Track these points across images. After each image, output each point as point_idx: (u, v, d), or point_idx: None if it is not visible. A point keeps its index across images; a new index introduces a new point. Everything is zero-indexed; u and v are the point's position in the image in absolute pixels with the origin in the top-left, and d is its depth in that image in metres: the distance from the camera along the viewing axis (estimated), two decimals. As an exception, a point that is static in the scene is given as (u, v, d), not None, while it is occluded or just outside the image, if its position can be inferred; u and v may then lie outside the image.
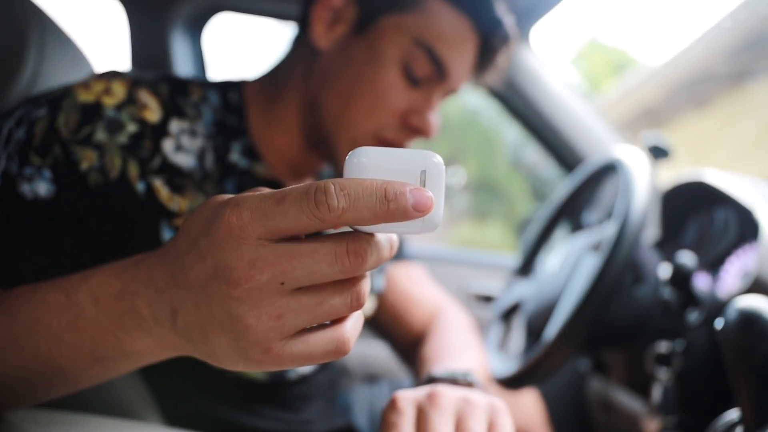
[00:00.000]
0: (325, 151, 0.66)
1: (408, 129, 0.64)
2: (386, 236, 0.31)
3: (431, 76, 0.63)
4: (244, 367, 0.31)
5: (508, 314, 0.97)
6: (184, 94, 0.61)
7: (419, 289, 0.83)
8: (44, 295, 0.37)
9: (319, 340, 0.30)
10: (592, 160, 1.09)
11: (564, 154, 1.28)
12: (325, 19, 0.63)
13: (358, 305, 0.30)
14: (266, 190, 0.30)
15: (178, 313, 0.32)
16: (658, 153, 1.02)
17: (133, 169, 0.53)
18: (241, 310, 0.29)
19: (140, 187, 0.54)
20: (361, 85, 0.62)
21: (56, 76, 0.66)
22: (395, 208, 0.27)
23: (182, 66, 1.32)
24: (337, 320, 0.31)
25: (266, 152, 0.66)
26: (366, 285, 0.31)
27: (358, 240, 0.29)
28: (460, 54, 0.64)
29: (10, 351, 0.37)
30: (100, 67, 0.78)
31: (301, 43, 0.67)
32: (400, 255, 0.85)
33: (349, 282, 0.30)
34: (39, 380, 0.37)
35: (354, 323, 0.32)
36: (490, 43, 0.67)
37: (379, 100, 0.62)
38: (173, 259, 0.32)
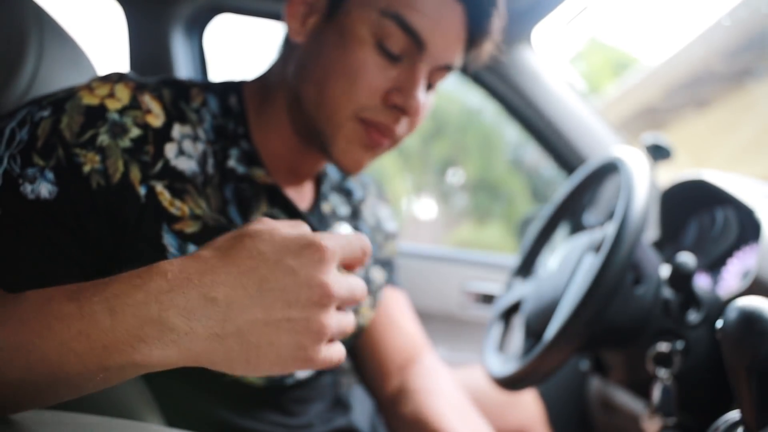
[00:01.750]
0: (318, 146, 0.64)
1: (391, 108, 0.61)
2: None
3: (409, 49, 0.59)
4: (279, 369, 0.38)
5: (508, 314, 0.97)
6: (185, 99, 0.61)
7: (402, 319, 0.85)
8: (58, 304, 0.37)
9: (334, 348, 0.41)
10: (592, 161, 1.09)
11: (564, 155, 1.28)
12: (299, 13, 0.62)
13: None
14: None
15: (232, 320, 0.37)
16: (658, 153, 1.02)
17: (136, 173, 0.53)
18: (322, 314, 0.38)
19: (142, 191, 0.54)
20: (334, 68, 0.59)
21: (56, 75, 0.66)
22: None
23: (183, 68, 1.32)
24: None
25: (265, 156, 0.65)
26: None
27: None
28: (437, 20, 0.59)
29: (18, 356, 0.36)
30: (100, 67, 0.78)
31: (285, 44, 0.67)
32: (391, 281, 0.86)
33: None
34: (44, 386, 0.37)
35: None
36: (476, 7, 0.62)
37: (355, 80, 0.59)
38: (239, 273, 0.37)
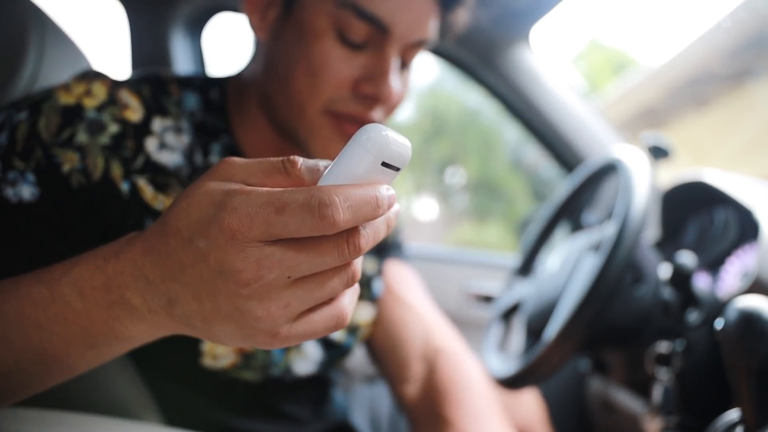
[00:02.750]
0: (297, 143, 0.62)
1: (363, 98, 0.57)
2: (383, 218, 0.33)
3: (372, 36, 0.56)
4: (249, 347, 0.33)
5: (508, 314, 0.97)
6: (165, 93, 0.60)
7: (415, 300, 0.78)
8: (27, 290, 0.37)
9: (321, 318, 0.33)
10: (592, 160, 1.09)
11: (564, 154, 1.28)
12: (258, 8, 0.61)
13: (354, 281, 0.33)
14: (256, 185, 0.32)
15: (176, 304, 0.33)
16: (658, 153, 1.02)
17: (117, 170, 0.53)
18: (250, 304, 0.31)
19: (125, 187, 0.53)
20: (297, 64, 0.57)
21: (56, 75, 0.66)
22: (381, 213, 0.31)
23: (182, 66, 1.32)
24: (334, 297, 0.34)
25: (249, 152, 0.64)
26: (359, 261, 0.33)
27: (356, 233, 0.31)
28: (398, 0, 0.56)
29: (1, 346, 0.36)
30: (99, 66, 0.78)
31: (255, 39, 0.65)
32: (398, 254, 0.82)
33: (345, 264, 0.32)
34: (33, 371, 0.37)
35: (351, 297, 0.35)
36: None
37: (319, 74, 0.56)
38: (164, 255, 0.33)
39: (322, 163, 0.33)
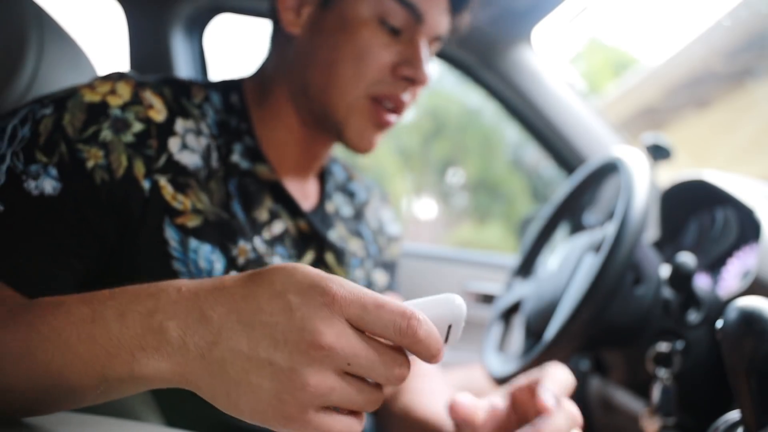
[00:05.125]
0: (329, 130, 0.66)
1: (401, 80, 0.63)
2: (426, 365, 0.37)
3: (409, 22, 0.63)
4: (260, 419, 0.33)
5: (508, 314, 0.97)
6: (187, 96, 0.61)
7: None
8: (69, 307, 0.37)
9: (340, 423, 0.34)
10: (593, 161, 1.09)
11: (564, 155, 1.28)
12: (292, 5, 0.64)
13: (374, 408, 0.35)
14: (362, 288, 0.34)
15: (221, 344, 0.33)
16: (658, 153, 1.02)
17: (140, 168, 0.54)
18: (307, 369, 0.32)
19: (146, 185, 0.54)
20: (341, 51, 0.62)
21: (56, 75, 0.66)
22: (435, 357, 0.34)
23: (183, 68, 1.32)
24: (358, 413, 0.35)
25: (269, 151, 0.66)
26: (380, 400, 0.36)
27: (408, 363, 0.35)
28: None
29: (23, 362, 0.36)
30: (100, 67, 0.78)
31: (277, 38, 0.68)
32: (392, 287, 0.84)
33: (381, 387, 0.35)
34: (45, 395, 0.37)
35: (366, 421, 0.38)
36: None
37: (365, 59, 0.62)
38: (240, 297, 0.34)
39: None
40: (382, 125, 0.65)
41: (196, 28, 1.35)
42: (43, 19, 0.67)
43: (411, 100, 0.67)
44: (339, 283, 0.33)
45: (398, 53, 0.63)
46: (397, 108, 0.65)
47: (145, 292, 0.36)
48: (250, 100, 0.67)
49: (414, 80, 0.63)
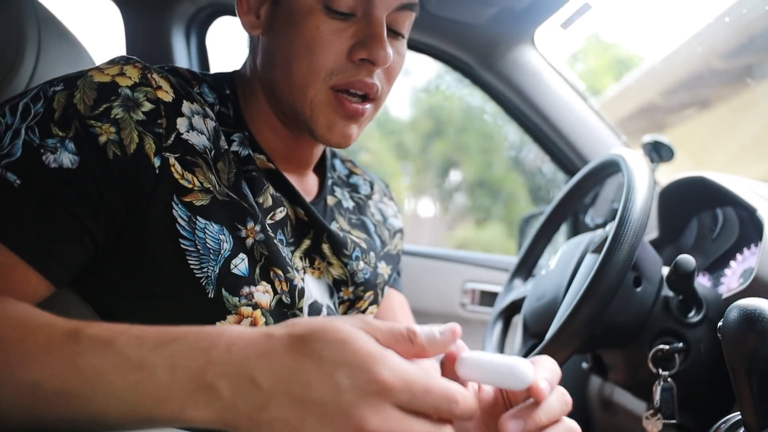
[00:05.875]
0: (303, 130, 0.65)
1: (359, 64, 0.60)
2: None
3: (358, 3, 0.59)
4: None
5: (508, 314, 0.97)
6: (189, 84, 0.62)
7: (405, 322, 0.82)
8: (116, 351, 0.37)
9: None
10: (593, 161, 1.09)
11: (564, 155, 1.28)
12: (250, 8, 0.64)
13: None
14: (409, 365, 0.35)
15: (268, 411, 0.34)
16: (658, 154, 1.02)
17: (150, 145, 0.54)
18: None
19: (157, 162, 0.54)
20: (293, 46, 0.60)
21: (55, 71, 0.66)
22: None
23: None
24: None
25: (264, 144, 0.66)
26: None
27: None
28: None
29: (60, 401, 0.36)
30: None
31: (251, 40, 0.68)
32: (394, 284, 0.85)
33: None
34: (79, 425, 0.37)
35: None
36: None
37: (314, 51, 0.59)
38: (289, 370, 0.35)
39: (436, 329, 0.38)
40: (351, 116, 0.62)
41: (197, 31, 1.35)
42: (42, 14, 0.67)
43: (384, 82, 0.63)
44: (389, 368, 0.33)
45: (353, 36, 0.60)
46: (368, 94, 0.62)
47: (195, 345, 0.36)
48: (241, 97, 0.67)
49: (372, 61, 0.59)
